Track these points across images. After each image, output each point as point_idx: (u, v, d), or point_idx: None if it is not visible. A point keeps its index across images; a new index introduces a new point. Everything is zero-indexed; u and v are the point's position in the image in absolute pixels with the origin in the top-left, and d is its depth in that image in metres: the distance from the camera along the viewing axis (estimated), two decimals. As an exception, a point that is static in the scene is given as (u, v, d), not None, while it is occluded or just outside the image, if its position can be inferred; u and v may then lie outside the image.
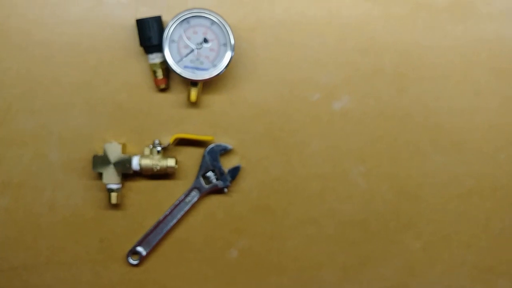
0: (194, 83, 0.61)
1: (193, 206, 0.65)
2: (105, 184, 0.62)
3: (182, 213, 0.64)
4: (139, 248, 0.64)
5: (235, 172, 0.64)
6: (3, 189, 0.64)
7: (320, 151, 0.65)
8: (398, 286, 0.68)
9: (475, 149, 0.65)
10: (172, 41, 0.60)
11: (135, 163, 0.62)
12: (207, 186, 0.64)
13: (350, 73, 0.64)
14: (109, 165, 0.62)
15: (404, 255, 0.67)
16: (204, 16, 0.59)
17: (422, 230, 0.66)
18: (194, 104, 0.63)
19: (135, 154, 0.62)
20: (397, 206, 0.66)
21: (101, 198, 0.64)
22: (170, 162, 0.62)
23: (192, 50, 0.60)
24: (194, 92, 0.61)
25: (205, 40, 0.60)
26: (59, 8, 0.62)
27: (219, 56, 0.60)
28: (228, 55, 0.60)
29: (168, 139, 0.63)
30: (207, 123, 0.64)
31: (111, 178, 0.62)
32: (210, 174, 0.64)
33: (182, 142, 0.64)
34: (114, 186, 0.62)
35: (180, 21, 0.59)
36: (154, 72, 0.61)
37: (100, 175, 0.62)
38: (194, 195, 0.64)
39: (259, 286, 0.67)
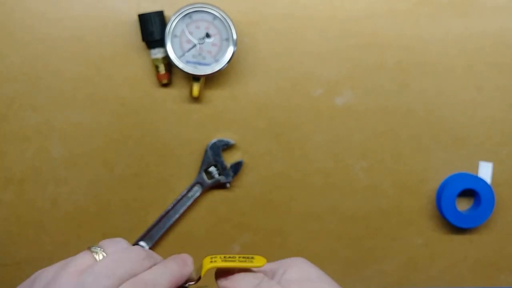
0: (196, 78, 0.61)
1: (196, 201, 0.65)
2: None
3: (184, 208, 0.64)
4: (142, 243, 0.64)
5: (237, 167, 0.64)
6: (6, 184, 0.64)
7: (323, 146, 0.65)
8: (400, 282, 0.68)
9: (477, 144, 0.66)
10: (174, 36, 0.60)
11: None
12: (209, 181, 0.64)
13: (353, 68, 0.64)
14: None
15: (406, 251, 0.67)
16: (206, 11, 0.59)
17: (424, 225, 0.67)
18: (196, 99, 0.63)
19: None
20: (399, 202, 0.66)
21: (103, 193, 0.64)
22: None
23: (194, 45, 0.60)
24: (196, 87, 0.61)
25: (207, 35, 0.60)
26: (61, 3, 0.62)
27: (221, 51, 0.60)
28: (230, 50, 0.60)
29: (170, 135, 0.64)
30: (209, 118, 0.64)
31: None
32: (212, 169, 0.64)
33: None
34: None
35: (182, 16, 0.59)
36: (156, 67, 0.61)
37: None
38: (197, 190, 0.64)
39: (261, 281, 0.67)
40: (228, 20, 0.59)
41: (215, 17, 0.60)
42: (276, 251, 0.66)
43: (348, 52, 0.63)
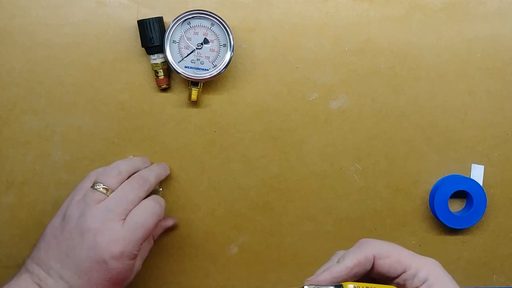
0: (194, 83, 0.62)
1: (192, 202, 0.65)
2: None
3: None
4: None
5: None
6: (7, 187, 0.64)
7: (318, 150, 0.66)
8: (394, 282, 0.69)
9: (469, 147, 0.67)
10: (173, 41, 0.61)
11: None
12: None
13: (347, 73, 0.65)
14: None
15: (400, 251, 0.68)
16: (204, 17, 0.60)
17: (418, 226, 0.68)
18: (194, 104, 0.64)
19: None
20: (393, 203, 0.67)
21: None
22: None
23: (193, 51, 0.61)
24: (194, 92, 0.62)
25: (206, 41, 0.61)
26: (62, 10, 0.62)
27: (219, 57, 0.61)
28: (228, 56, 0.61)
29: (169, 139, 0.64)
30: (207, 122, 0.65)
31: None
32: None
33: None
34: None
35: (181, 22, 0.60)
36: (156, 72, 0.62)
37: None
38: (195, 193, 0.65)
39: (258, 282, 0.67)
40: (226, 26, 0.60)
41: (213, 23, 0.61)
42: (273, 252, 0.67)
43: (342, 57, 0.64)
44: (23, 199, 0.65)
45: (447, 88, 0.65)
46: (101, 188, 0.54)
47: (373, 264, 0.44)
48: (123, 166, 0.57)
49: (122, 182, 0.55)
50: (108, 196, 0.54)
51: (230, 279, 0.67)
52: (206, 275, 0.67)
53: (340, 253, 0.47)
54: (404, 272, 0.43)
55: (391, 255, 0.44)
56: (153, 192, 0.63)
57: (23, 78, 0.63)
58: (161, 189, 0.64)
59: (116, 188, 0.55)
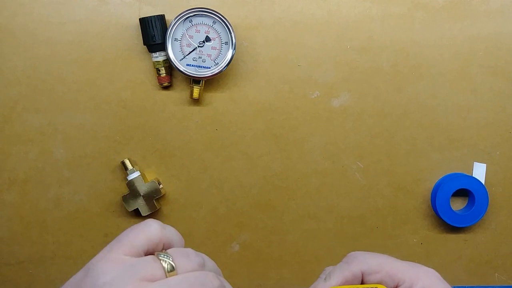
0: (196, 80, 0.62)
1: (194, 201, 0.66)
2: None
3: (184, 208, 0.65)
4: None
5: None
6: (10, 185, 0.65)
7: (320, 148, 0.66)
8: (396, 280, 0.69)
9: (471, 145, 0.66)
10: (175, 39, 0.61)
11: None
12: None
13: (349, 71, 0.65)
14: (139, 197, 0.63)
15: (401, 250, 0.68)
16: (206, 15, 0.60)
17: (419, 224, 0.68)
18: (196, 102, 0.64)
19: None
20: (394, 202, 0.67)
21: (105, 193, 0.65)
22: None
23: (195, 48, 0.61)
24: (196, 90, 0.62)
25: (207, 39, 0.61)
26: (63, 8, 0.62)
27: (221, 54, 0.61)
28: (229, 54, 0.61)
29: (170, 137, 0.64)
30: (209, 120, 0.65)
31: (145, 209, 0.64)
32: None
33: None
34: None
35: (183, 20, 0.60)
36: (157, 70, 0.62)
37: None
38: (197, 191, 0.65)
39: (260, 280, 0.68)
40: (228, 24, 0.60)
41: (215, 21, 0.61)
42: (275, 250, 0.67)
43: (344, 55, 0.64)
44: (25, 197, 0.65)
45: (449, 86, 0.65)
46: (166, 259, 0.34)
47: (362, 280, 0.41)
48: None
49: None
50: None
51: (231, 277, 0.67)
52: None
53: (328, 269, 0.44)
54: (397, 287, 0.41)
55: (381, 270, 0.41)
56: (153, 188, 0.63)
57: (25, 76, 0.63)
58: (161, 186, 0.64)
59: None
